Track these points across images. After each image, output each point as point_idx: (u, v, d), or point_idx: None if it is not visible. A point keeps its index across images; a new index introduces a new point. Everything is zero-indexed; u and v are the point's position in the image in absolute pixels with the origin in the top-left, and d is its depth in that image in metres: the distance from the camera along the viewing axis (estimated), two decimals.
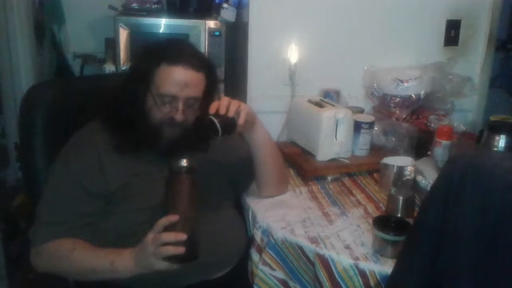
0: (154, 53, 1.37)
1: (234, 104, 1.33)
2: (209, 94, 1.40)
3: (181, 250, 1.16)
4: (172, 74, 1.32)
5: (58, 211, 1.31)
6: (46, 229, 1.30)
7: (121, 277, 1.26)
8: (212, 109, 1.32)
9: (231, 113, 1.31)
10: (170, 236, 1.16)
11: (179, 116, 1.32)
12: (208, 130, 1.31)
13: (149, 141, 1.35)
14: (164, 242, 1.16)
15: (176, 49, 1.38)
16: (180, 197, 1.21)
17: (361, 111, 1.97)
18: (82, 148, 1.36)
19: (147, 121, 1.34)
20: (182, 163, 1.24)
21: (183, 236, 1.16)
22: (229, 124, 1.32)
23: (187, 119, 1.34)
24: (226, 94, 2.37)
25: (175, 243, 1.16)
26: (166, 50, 1.37)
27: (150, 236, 1.18)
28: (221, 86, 2.36)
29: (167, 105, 1.33)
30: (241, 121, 1.33)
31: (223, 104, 1.32)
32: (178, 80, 1.31)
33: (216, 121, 1.30)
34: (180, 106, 1.32)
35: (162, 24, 2.33)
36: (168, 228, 1.17)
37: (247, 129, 1.40)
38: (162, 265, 1.18)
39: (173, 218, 1.17)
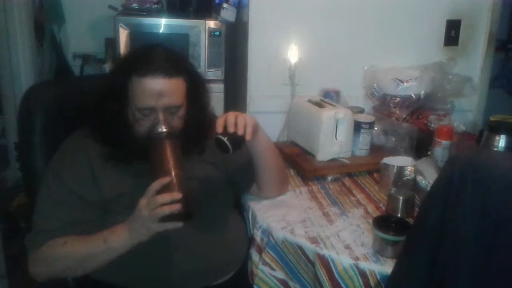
0: (124, 66, 1.33)
1: (241, 120, 1.30)
2: (193, 96, 1.36)
3: (177, 206, 1.15)
4: (143, 87, 1.26)
5: (52, 220, 1.28)
6: (40, 235, 1.28)
7: (118, 254, 1.24)
8: (219, 127, 1.29)
9: (240, 131, 1.29)
10: (166, 197, 1.15)
11: (161, 127, 1.29)
12: (218, 149, 1.31)
13: (139, 155, 1.30)
14: (160, 204, 1.14)
15: (144, 59, 1.30)
16: (167, 160, 1.21)
17: (361, 111, 1.97)
18: (73, 158, 1.33)
19: (134, 134, 1.31)
20: (162, 129, 1.25)
21: (178, 195, 1.15)
22: (238, 141, 1.30)
23: (173, 127, 1.30)
24: (226, 94, 2.39)
25: (171, 203, 1.15)
26: (134, 62, 1.31)
27: (143, 201, 1.17)
28: (221, 86, 2.36)
29: (148, 116, 1.29)
30: (248, 137, 1.30)
31: (230, 122, 1.29)
32: (150, 91, 1.26)
33: (225, 139, 1.28)
34: (161, 117, 1.28)
35: (162, 24, 2.33)
36: (161, 191, 1.16)
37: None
38: (159, 227, 1.17)
39: (164, 180, 1.16)
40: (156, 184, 1.16)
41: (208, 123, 1.40)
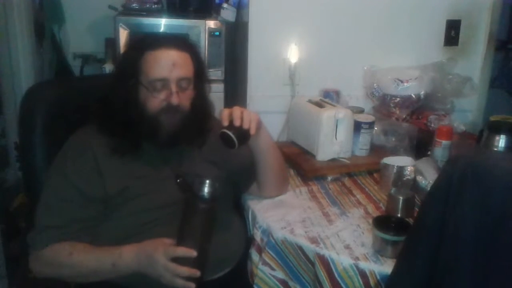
0: (135, 45, 1.39)
1: (247, 114, 1.33)
2: (199, 76, 1.40)
3: (191, 285, 1.19)
4: (157, 58, 1.32)
5: (55, 216, 1.29)
6: (43, 234, 1.28)
7: (124, 275, 1.27)
8: (225, 121, 1.31)
9: (246, 125, 1.31)
10: (185, 272, 1.18)
11: (174, 99, 1.31)
12: (223, 144, 1.31)
13: (148, 133, 1.34)
14: (178, 274, 1.18)
15: (155, 36, 1.48)
16: (202, 230, 1.20)
17: (361, 111, 1.97)
18: (78, 153, 1.34)
19: (144, 113, 1.33)
20: (209, 191, 1.20)
21: (197, 274, 1.18)
22: (243, 135, 1.31)
23: (182, 103, 1.34)
24: (226, 94, 2.39)
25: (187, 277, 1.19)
26: (146, 39, 1.39)
27: (162, 258, 1.19)
28: (221, 86, 2.36)
29: (160, 91, 1.32)
30: (253, 131, 1.33)
31: (237, 115, 1.31)
32: (164, 62, 1.32)
33: (231, 133, 1.29)
34: (173, 88, 1.32)
35: (162, 24, 2.33)
36: (184, 260, 1.18)
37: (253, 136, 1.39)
38: (169, 283, 1.20)
39: (191, 253, 1.18)
40: (181, 252, 1.19)
41: (210, 109, 1.46)
